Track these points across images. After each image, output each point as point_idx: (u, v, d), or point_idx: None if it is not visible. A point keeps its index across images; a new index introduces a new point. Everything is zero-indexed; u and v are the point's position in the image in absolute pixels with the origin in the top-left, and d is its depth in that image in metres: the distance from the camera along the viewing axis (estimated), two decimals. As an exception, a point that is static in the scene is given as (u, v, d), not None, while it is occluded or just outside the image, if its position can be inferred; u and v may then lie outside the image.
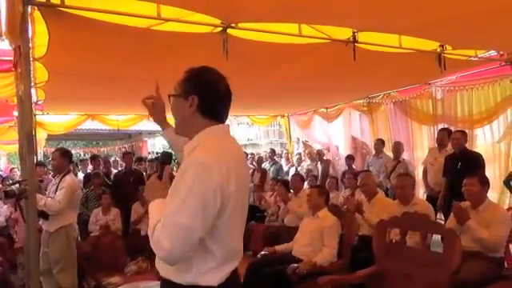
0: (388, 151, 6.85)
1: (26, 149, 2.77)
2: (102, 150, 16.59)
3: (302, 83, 5.66)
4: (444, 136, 5.48)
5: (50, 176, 6.61)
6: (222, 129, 1.52)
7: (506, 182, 5.18)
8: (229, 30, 3.44)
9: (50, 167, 7.29)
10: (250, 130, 18.61)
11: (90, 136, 15.61)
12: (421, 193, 6.10)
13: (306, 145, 10.55)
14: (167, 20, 3.29)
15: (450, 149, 5.26)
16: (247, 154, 9.25)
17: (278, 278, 3.44)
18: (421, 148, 6.99)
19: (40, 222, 3.64)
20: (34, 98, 5.54)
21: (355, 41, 3.90)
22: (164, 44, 3.63)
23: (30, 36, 2.99)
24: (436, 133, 6.06)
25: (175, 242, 1.29)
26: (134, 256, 5.38)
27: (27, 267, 3.29)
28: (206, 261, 1.41)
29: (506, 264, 3.34)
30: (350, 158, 7.71)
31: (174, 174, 1.55)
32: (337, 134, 9.08)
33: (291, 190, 5.61)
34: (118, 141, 16.49)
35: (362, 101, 8.02)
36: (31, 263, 2.82)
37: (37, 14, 2.86)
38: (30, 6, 2.73)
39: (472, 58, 4.95)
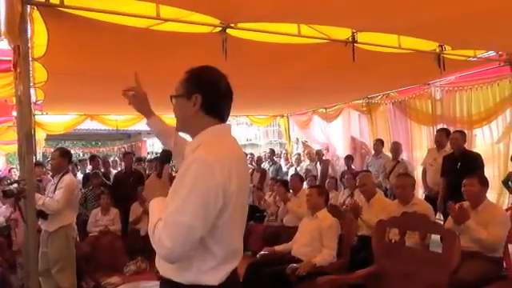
0: (387, 151, 6.85)
1: (25, 149, 2.76)
2: (101, 150, 16.59)
3: (302, 83, 5.66)
4: (442, 136, 5.48)
5: (49, 176, 6.61)
6: (224, 128, 1.53)
7: (505, 182, 5.19)
8: (228, 30, 3.44)
9: (48, 167, 7.28)
10: (249, 130, 18.63)
11: (89, 136, 15.61)
12: (420, 193, 6.11)
13: (305, 145, 10.56)
14: (166, 20, 3.30)
15: (448, 149, 5.27)
16: (246, 155, 9.25)
17: (277, 278, 3.44)
18: (420, 148, 6.99)
19: (39, 222, 3.64)
20: (33, 98, 5.53)
21: (354, 41, 3.90)
22: (163, 44, 3.63)
23: (29, 36, 2.99)
24: (435, 133, 6.06)
25: (176, 240, 1.29)
26: (133, 256, 5.37)
27: (26, 267, 3.28)
28: (207, 260, 1.41)
29: (504, 264, 3.34)
30: (349, 158, 7.71)
31: (173, 174, 1.55)
32: (336, 134, 9.08)
33: (290, 190, 5.61)
34: (117, 141, 16.49)
35: (361, 101, 8.03)
36: (30, 263, 2.82)
37: (36, 13, 2.86)
38: (29, 6, 2.74)
39: (471, 59, 4.96)
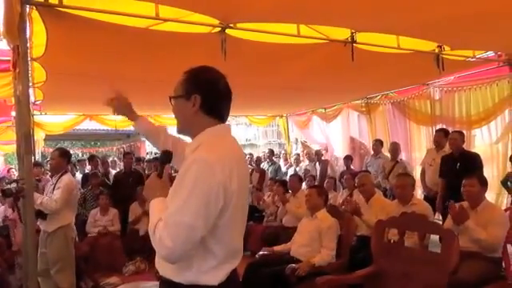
0: (386, 152, 6.85)
1: (24, 149, 2.76)
2: (100, 150, 16.55)
3: (301, 83, 5.66)
4: (441, 137, 5.49)
5: (48, 176, 6.60)
6: (223, 128, 1.53)
7: (504, 183, 5.20)
8: (227, 31, 3.44)
9: (47, 167, 7.27)
10: (248, 130, 18.61)
11: (88, 136, 15.57)
12: (419, 193, 6.11)
13: (304, 145, 10.57)
14: (166, 20, 3.30)
15: (447, 149, 5.27)
16: (245, 155, 9.25)
17: (277, 278, 3.44)
18: (419, 148, 7.00)
19: (38, 223, 3.63)
20: (32, 98, 5.53)
21: (353, 41, 3.91)
22: (162, 44, 3.63)
23: (28, 36, 2.98)
24: (434, 133, 6.07)
25: (177, 240, 1.29)
26: (132, 256, 5.37)
27: (25, 267, 3.28)
28: (207, 260, 1.41)
29: (503, 264, 3.34)
30: (348, 159, 7.72)
31: (174, 174, 1.55)
32: (335, 134, 9.08)
33: (289, 191, 5.61)
34: (116, 141, 16.44)
35: (360, 101, 8.03)
36: (29, 264, 2.82)
37: (35, 13, 2.86)
38: (28, 6, 2.74)
39: (470, 59, 4.97)
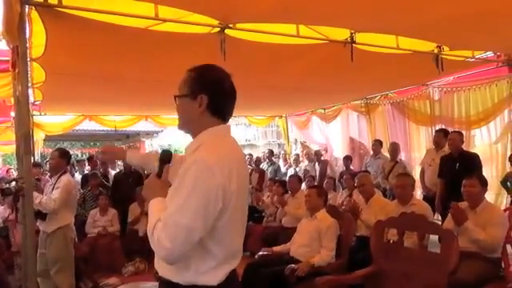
0: (386, 152, 6.86)
1: (23, 149, 2.76)
2: (99, 150, 16.54)
3: (300, 84, 5.66)
4: (440, 137, 5.49)
5: (47, 177, 6.59)
6: (224, 128, 1.52)
7: (503, 183, 5.20)
8: (226, 31, 3.44)
9: (46, 167, 7.26)
10: (247, 130, 18.63)
11: (87, 137, 15.56)
12: (418, 193, 6.11)
13: (303, 145, 10.56)
14: (165, 20, 3.29)
15: (447, 149, 5.27)
16: (245, 155, 9.24)
17: (276, 278, 3.44)
18: (418, 149, 7.01)
19: (37, 223, 3.63)
20: (31, 99, 5.52)
21: (353, 41, 3.91)
22: (162, 44, 3.63)
23: (27, 36, 2.98)
24: (433, 134, 6.07)
25: (175, 241, 1.29)
26: (132, 257, 5.37)
27: (24, 268, 3.27)
28: (206, 261, 1.40)
29: (502, 264, 3.34)
30: (347, 159, 7.72)
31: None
32: (334, 134, 9.09)
33: (289, 191, 5.61)
34: (115, 141, 16.42)
35: (359, 101, 8.04)
36: (28, 264, 2.81)
37: (34, 14, 2.86)
38: (27, 6, 2.73)
39: (469, 59, 4.97)
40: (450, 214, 3.42)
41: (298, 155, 9.57)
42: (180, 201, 1.32)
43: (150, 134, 15.68)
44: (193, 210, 1.30)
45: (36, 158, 8.66)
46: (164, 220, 1.32)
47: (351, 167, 7.62)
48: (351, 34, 3.89)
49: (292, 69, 4.69)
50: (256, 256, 4.02)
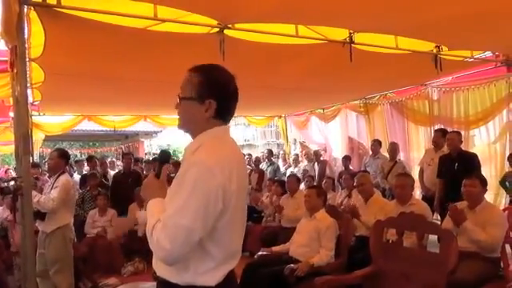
0: (385, 152, 6.86)
1: (22, 149, 2.76)
2: (98, 150, 16.53)
3: (299, 84, 5.67)
4: (439, 137, 5.49)
5: (46, 177, 6.58)
6: (223, 129, 1.51)
7: (502, 183, 5.21)
8: (226, 31, 3.45)
9: (45, 168, 7.26)
10: (246, 130, 18.63)
11: (86, 137, 15.54)
12: (417, 193, 6.12)
13: (302, 145, 10.56)
14: (164, 20, 3.29)
15: (446, 149, 5.27)
16: (244, 155, 9.24)
17: (275, 278, 3.44)
18: (417, 149, 7.01)
19: (36, 223, 3.62)
20: (30, 99, 5.52)
21: (352, 42, 3.91)
22: (161, 45, 3.63)
23: (26, 36, 2.97)
24: (432, 133, 6.08)
25: (175, 242, 1.28)
26: (131, 257, 5.36)
27: (23, 268, 3.27)
28: (205, 262, 1.40)
29: (502, 264, 3.35)
30: (346, 159, 7.72)
31: (172, 175, 1.54)
32: (334, 134, 9.09)
33: (287, 192, 5.60)
34: (114, 142, 16.43)
35: (358, 101, 8.04)
36: (27, 264, 2.81)
37: (33, 14, 2.85)
38: (26, 6, 2.73)
39: (468, 59, 4.98)
40: (448, 214, 3.42)
41: (297, 155, 9.57)
42: (180, 202, 1.31)
43: (148, 134, 15.67)
44: (193, 210, 1.29)
45: (35, 158, 8.66)
46: (163, 221, 1.31)
47: (350, 167, 7.61)
48: (350, 34, 3.90)
49: (291, 69, 4.69)
50: (255, 256, 4.02)
